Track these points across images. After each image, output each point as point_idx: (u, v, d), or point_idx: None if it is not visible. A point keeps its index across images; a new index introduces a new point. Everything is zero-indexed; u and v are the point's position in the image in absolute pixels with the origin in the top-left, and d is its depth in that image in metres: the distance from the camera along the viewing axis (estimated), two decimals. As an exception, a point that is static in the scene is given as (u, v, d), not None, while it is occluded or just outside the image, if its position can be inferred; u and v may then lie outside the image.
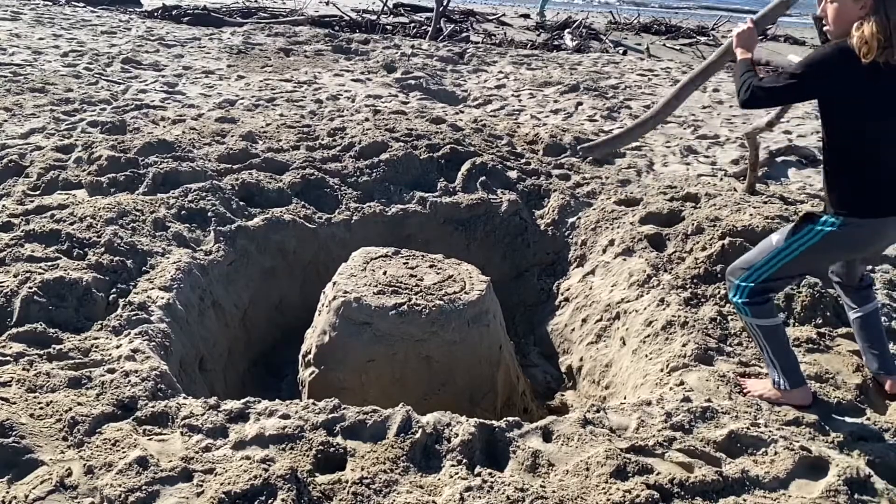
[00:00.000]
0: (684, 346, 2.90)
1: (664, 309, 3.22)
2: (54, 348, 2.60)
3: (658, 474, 2.11)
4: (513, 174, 4.64)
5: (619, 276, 3.67)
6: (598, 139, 3.08)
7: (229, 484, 1.95)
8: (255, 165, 4.41)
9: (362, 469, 2.09)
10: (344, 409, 2.33)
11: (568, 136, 5.47)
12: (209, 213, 3.79)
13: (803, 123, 7.00)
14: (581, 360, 3.52)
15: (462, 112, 6.68)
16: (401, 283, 3.03)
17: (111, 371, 2.48)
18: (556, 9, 16.14)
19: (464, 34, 12.63)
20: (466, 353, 2.96)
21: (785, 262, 2.39)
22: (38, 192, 3.93)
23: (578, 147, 4.70)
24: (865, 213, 2.29)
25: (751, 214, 3.83)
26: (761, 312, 2.45)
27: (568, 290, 3.96)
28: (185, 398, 2.40)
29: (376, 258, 3.25)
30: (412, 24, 13.15)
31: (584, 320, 3.66)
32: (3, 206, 3.68)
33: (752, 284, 2.42)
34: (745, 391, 2.60)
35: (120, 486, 1.96)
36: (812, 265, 2.54)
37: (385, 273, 3.10)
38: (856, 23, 2.15)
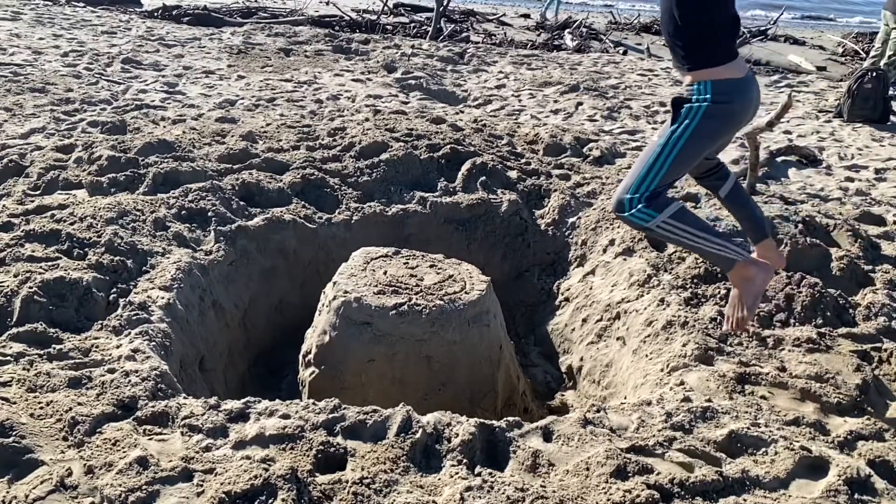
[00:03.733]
0: (684, 346, 2.90)
1: (664, 309, 3.22)
2: (54, 348, 2.60)
3: (658, 474, 2.11)
4: (513, 174, 4.64)
5: (619, 276, 3.67)
6: None
7: (229, 484, 1.95)
8: (255, 165, 4.41)
9: (362, 469, 2.09)
10: (344, 409, 2.33)
11: (568, 136, 5.48)
12: (209, 213, 3.79)
13: (803, 123, 7.01)
14: (581, 360, 3.52)
15: (462, 112, 6.68)
16: (401, 283, 3.03)
17: (111, 371, 2.48)
18: (561, 9, 16.12)
19: (464, 34, 12.63)
20: (467, 353, 2.96)
21: (675, 155, 2.33)
22: (38, 192, 3.93)
23: None
24: (727, 56, 2.34)
25: (751, 214, 3.83)
26: (664, 204, 2.35)
27: (568, 290, 3.96)
28: (185, 398, 2.40)
29: (376, 258, 3.25)
30: (412, 24, 13.15)
31: (584, 320, 3.66)
32: (4, 206, 3.68)
33: (648, 193, 2.33)
34: (732, 325, 2.58)
35: (120, 485, 1.96)
36: (701, 149, 2.44)
37: (385, 273, 3.10)
38: None
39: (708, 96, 2.33)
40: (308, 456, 2.13)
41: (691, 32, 2.37)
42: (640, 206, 2.33)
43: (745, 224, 2.72)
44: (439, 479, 2.09)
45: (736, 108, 2.38)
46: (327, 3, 14.66)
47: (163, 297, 3.01)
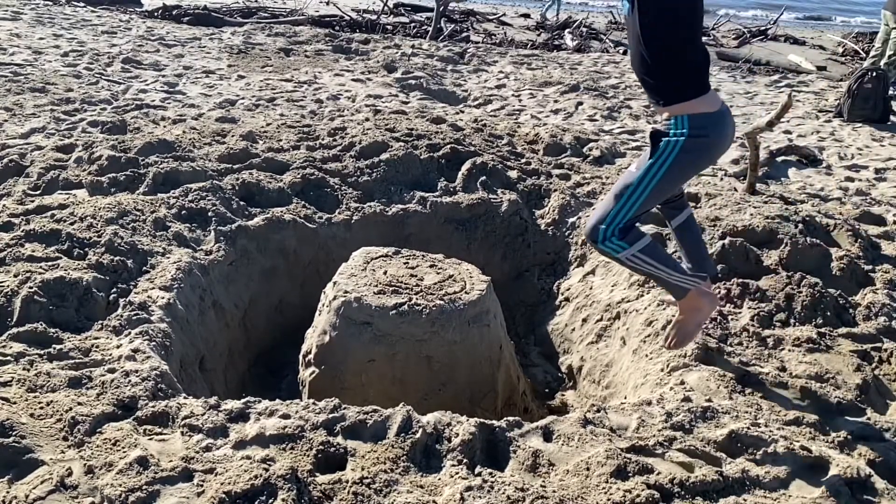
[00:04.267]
0: (684, 345, 2.89)
1: (664, 309, 3.22)
2: (54, 348, 2.60)
3: (658, 474, 2.11)
4: (513, 174, 4.64)
5: (619, 276, 3.67)
6: None
7: (230, 484, 1.96)
8: (255, 165, 4.41)
9: (363, 469, 2.09)
10: (344, 408, 2.33)
11: (568, 136, 5.47)
12: (209, 213, 3.79)
13: (803, 123, 7.01)
14: (581, 359, 3.52)
15: (462, 112, 6.68)
16: (401, 282, 3.03)
17: (111, 371, 2.48)
18: (561, 9, 16.11)
19: (464, 34, 12.63)
20: (467, 352, 2.96)
21: (652, 188, 2.38)
22: (38, 192, 3.94)
23: None
24: (699, 91, 2.37)
25: (751, 214, 3.83)
26: (635, 237, 2.43)
27: (568, 289, 3.96)
28: (185, 398, 2.40)
29: (377, 258, 3.25)
30: (412, 24, 13.15)
31: (584, 320, 3.66)
32: (4, 205, 3.68)
33: (622, 224, 2.39)
34: (671, 344, 2.67)
35: (120, 485, 1.96)
36: (677, 182, 2.52)
37: (385, 273, 3.10)
38: None
39: (685, 131, 2.37)
40: (308, 456, 2.13)
41: (662, 69, 2.41)
42: (613, 237, 2.40)
43: (689, 258, 2.78)
44: (439, 479, 2.09)
45: (712, 141, 2.42)
46: (327, 3, 14.66)
47: (163, 297, 3.01)
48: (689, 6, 2.35)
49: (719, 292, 3.20)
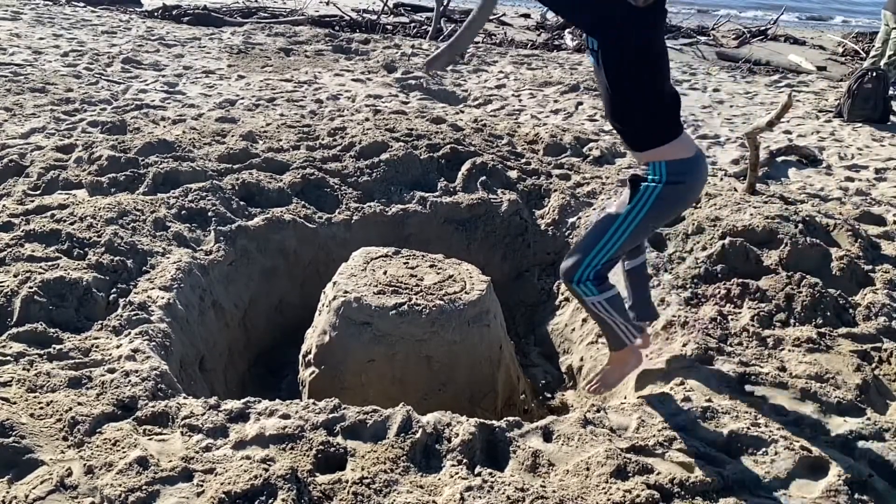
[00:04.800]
0: (684, 345, 2.90)
1: (664, 309, 3.23)
2: (54, 348, 2.60)
3: (658, 474, 2.11)
4: (513, 174, 4.64)
5: (619, 276, 3.66)
6: (436, 52, 3.13)
7: (229, 484, 1.96)
8: (255, 165, 4.41)
9: (362, 469, 2.09)
10: (344, 409, 2.33)
11: (568, 136, 5.47)
12: (209, 213, 3.79)
13: (803, 123, 7.01)
14: (581, 359, 3.52)
15: (462, 112, 6.67)
16: (401, 282, 3.03)
17: (111, 371, 2.48)
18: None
19: (464, 34, 12.60)
20: (467, 353, 2.96)
21: (630, 232, 2.45)
22: (38, 192, 3.94)
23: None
24: (673, 135, 2.40)
25: (751, 214, 3.83)
26: (607, 287, 2.53)
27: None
28: (185, 398, 2.40)
29: (376, 258, 3.25)
30: (412, 24, 13.15)
31: (584, 320, 3.66)
32: (4, 205, 3.68)
33: (599, 267, 2.47)
34: (591, 389, 2.80)
35: (120, 485, 1.96)
36: (652, 227, 2.61)
37: (385, 273, 3.10)
38: None
39: (663, 177, 2.42)
40: (308, 456, 2.13)
41: (632, 116, 2.46)
42: (588, 281, 2.49)
43: (634, 300, 2.87)
44: (439, 479, 2.09)
45: (688, 186, 2.47)
46: (327, 3, 14.65)
47: (163, 297, 3.01)
48: (654, 52, 2.38)
49: (719, 292, 3.24)
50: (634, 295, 2.85)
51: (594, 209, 3.78)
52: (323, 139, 4.94)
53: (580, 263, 2.49)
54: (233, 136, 4.92)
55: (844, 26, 18.54)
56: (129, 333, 2.74)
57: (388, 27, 12.66)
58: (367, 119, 5.69)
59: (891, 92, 7.43)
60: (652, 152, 2.43)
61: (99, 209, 3.57)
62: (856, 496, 2.10)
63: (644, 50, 2.34)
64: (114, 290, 3.02)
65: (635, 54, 2.33)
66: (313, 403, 2.36)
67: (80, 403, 2.30)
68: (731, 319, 3.08)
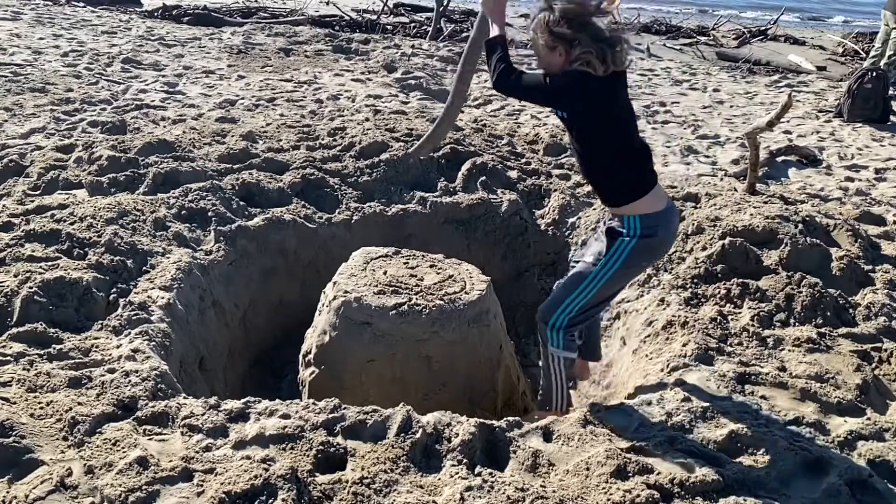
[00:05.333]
0: (684, 345, 2.90)
1: (664, 309, 3.22)
2: (54, 348, 2.60)
3: (658, 474, 2.11)
4: (513, 174, 4.64)
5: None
6: (418, 144, 3.19)
7: (229, 484, 1.95)
8: (255, 165, 4.41)
9: (362, 469, 2.09)
10: (344, 409, 2.33)
11: (568, 136, 5.47)
12: (209, 213, 3.79)
13: (803, 123, 7.01)
14: (581, 360, 3.52)
15: (462, 112, 6.67)
16: (401, 282, 3.03)
17: (111, 371, 2.48)
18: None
19: (464, 34, 12.63)
20: (467, 353, 2.96)
21: (603, 283, 2.51)
22: (38, 192, 3.94)
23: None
24: (645, 188, 2.45)
25: (751, 214, 3.83)
26: (571, 345, 2.63)
27: (568, 290, 3.95)
28: (185, 398, 2.40)
29: (376, 258, 3.25)
30: (412, 24, 13.15)
31: (584, 320, 3.66)
32: (4, 205, 3.68)
33: (573, 314, 2.55)
34: None
35: (120, 485, 1.96)
36: (626, 279, 2.69)
37: (385, 273, 3.10)
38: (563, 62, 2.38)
39: (637, 231, 2.46)
40: (308, 456, 2.13)
41: (603, 172, 2.51)
42: (561, 330, 2.58)
43: (586, 338, 2.94)
44: (439, 479, 2.09)
45: (661, 239, 2.53)
46: (327, 3, 14.64)
47: (163, 297, 3.01)
48: (619, 110, 2.43)
49: (719, 292, 3.26)
50: (588, 334, 2.93)
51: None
52: (323, 139, 4.94)
53: (556, 308, 2.57)
54: (233, 136, 4.92)
55: (844, 26, 18.54)
56: (129, 333, 2.74)
57: (388, 27, 12.66)
58: (367, 119, 5.69)
59: (891, 92, 7.43)
60: (626, 207, 2.48)
61: (99, 209, 3.57)
62: (856, 496, 2.10)
63: (608, 110, 2.40)
64: (114, 290, 3.02)
65: (602, 116, 2.40)
66: (313, 403, 2.36)
67: (80, 403, 2.30)
68: (731, 319, 3.08)
